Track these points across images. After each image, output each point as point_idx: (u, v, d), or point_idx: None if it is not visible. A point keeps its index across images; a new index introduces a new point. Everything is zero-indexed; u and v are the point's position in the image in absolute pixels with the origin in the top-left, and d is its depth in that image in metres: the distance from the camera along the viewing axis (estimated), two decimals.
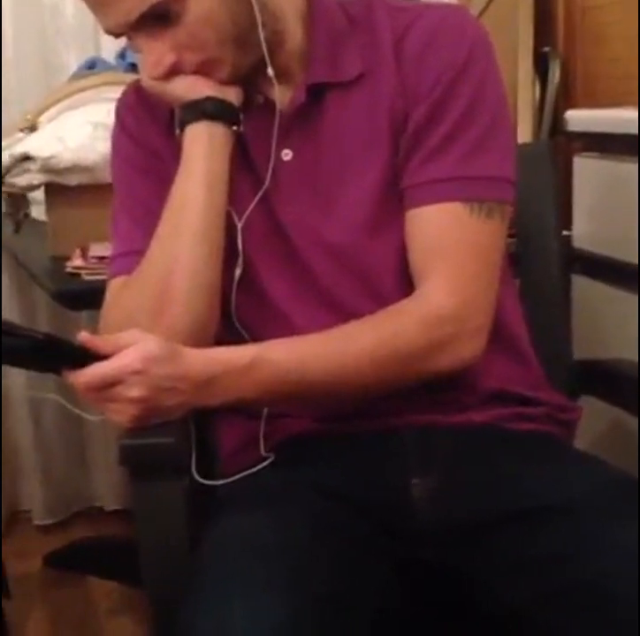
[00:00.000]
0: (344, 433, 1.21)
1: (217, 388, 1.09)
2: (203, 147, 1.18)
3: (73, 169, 1.76)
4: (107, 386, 1.04)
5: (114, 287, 1.24)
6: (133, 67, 1.96)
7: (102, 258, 1.67)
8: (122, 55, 2.04)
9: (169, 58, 1.16)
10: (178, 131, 1.21)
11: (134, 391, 1.04)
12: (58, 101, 1.89)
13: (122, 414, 1.06)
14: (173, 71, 1.17)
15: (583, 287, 1.58)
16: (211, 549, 1.04)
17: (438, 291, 1.14)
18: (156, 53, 1.16)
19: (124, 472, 1.14)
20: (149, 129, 1.27)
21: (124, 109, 1.31)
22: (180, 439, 1.12)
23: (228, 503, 1.15)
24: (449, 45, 1.18)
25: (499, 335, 1.20)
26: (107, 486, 2.65)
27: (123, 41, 2.11)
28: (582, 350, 1.47)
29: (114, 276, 1.25)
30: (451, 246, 1.15)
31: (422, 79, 1.18)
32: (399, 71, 1.19)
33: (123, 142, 1.30)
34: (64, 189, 1.78)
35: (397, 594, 1.10)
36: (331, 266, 1.21)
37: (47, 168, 1.76)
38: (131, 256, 1.23)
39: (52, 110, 1.87)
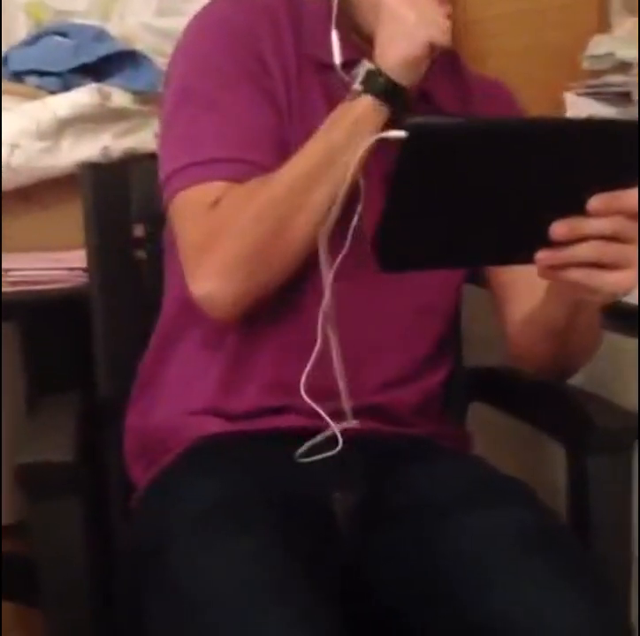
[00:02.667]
0: (256, 435, 1.19)
1: None
2: (373, 125, 1.15)
3: None
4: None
5: (216, 190, 1.16)
6: (16, 76, 1.92)
7: None
8: (4, 62, 1.99)
9: None
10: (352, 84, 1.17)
11: None
12: None
13: None
14: None
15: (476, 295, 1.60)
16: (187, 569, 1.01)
17: None
18: None
19: (17, 486, 1.12)
20: (260, 41, 1.23)
21: (232, 6, 1.25)
22: (79, 457, 1.11)
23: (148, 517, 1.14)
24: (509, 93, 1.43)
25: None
26: None
27: (5, 48, 2.09)
28: (474, 357, 1.50)
29: (214, 180, 1.17)
30: None
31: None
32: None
33: (225, 36, 1.22)
34: None
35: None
36: None
37: None
38: (237, 164, 1.17)
39: None
